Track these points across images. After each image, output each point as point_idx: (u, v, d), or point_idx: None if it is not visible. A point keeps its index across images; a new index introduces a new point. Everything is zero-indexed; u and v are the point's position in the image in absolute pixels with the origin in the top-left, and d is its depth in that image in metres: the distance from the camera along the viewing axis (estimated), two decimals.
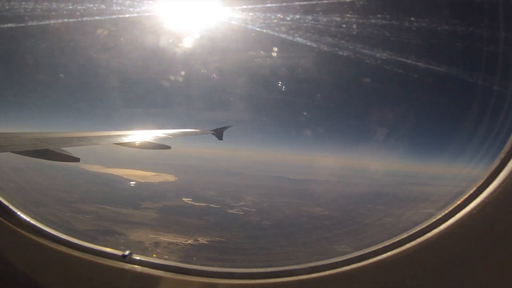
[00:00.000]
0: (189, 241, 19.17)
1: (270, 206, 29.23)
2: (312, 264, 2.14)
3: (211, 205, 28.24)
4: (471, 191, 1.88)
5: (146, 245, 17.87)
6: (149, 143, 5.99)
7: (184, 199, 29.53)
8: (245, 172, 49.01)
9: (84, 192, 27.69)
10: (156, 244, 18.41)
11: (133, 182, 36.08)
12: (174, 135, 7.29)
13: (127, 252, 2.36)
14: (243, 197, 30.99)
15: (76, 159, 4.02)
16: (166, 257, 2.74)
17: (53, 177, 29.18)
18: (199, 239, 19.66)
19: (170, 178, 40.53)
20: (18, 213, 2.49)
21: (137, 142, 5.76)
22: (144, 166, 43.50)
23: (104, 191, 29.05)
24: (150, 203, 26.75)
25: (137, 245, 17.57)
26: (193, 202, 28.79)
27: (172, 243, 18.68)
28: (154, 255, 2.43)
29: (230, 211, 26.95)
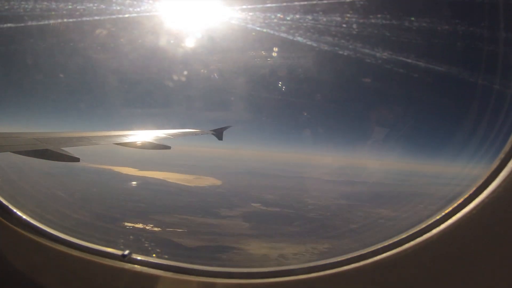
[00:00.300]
0: (310, 249, 18.44)
1: (338, 209, 27.90)
2: (311, 264, 2.14)
3: (285, 210, 27.23)
4: (471, 191, 1.88)
5: (273, 258, 17.13)
6: (149, 143, 5.99)
7: (253, 204, 28.32)
8: (277, 173, 47.49)
9: (149, 201, 25.83)
10: (282, 255, 17.70)
11: (184, 187, 34.15)
12: (174, 135, 7.29)
13: (126, 252, 2.36)
14: (304, 200, 29.85)
15: (76, 159, 4.02)
16: (166, 256, 2.71)
17: (90, 183, 27.93)
18: (314, 246, 18.88)
19: (215, 181, 38.76)
20: (18, 212, 2.49)
21: (137, 142, 5.76)
22: (174, 168, 41.86)
23: (167, 199, 27.63)
24: (226, 210, 25.61)
25: (263, 258, 16.83)
26: (266, 208, 27.75)
27: (296, 253, 17.93)
28: (154, 255, 2.43)
29: (309, 215, 25.80)
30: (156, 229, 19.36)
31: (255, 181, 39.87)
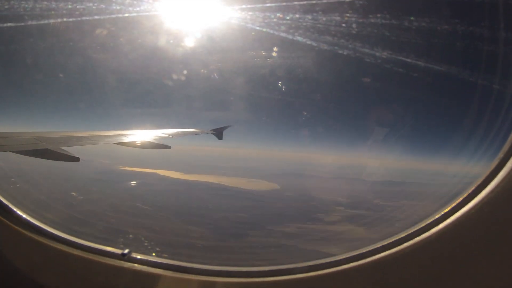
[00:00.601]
0: None
1: (412, 209, 27.00)
2: (311, 263, 2.15)
3: (371, 212, 25.84)
4: (470, 191, 1.88)
5: None
6: (149, 142, 5.99)
7: (337, 207, 27.29)
8: (314, 174, 46.28)
9: (243, 211, 24.90)
10: None
11: (254, 192, 32.78)
12: (174, 134, 7.30)
13: (126, 251, 2.36)
14: (373, 201, 28.59)
15: (76, 159, 4.03)
16: (165, 255, 2.72)
17: (161, 192, 27.28)
18: None
19: (271, 185, 37.24)
20: (18, 211, 2.50)
21: (137, 142, 5.76)
22: (213, 170, 41.28)
23: (255, 206, 26.69)
24: (323, 215, 24.79)
25: None
26: (353, 210, 26.74)
27: None
28: (153, 254, 2.43)
29: (400, 216, 24.47)
30: (290, 242, 18.18)
31: (305, 183, 38.54)
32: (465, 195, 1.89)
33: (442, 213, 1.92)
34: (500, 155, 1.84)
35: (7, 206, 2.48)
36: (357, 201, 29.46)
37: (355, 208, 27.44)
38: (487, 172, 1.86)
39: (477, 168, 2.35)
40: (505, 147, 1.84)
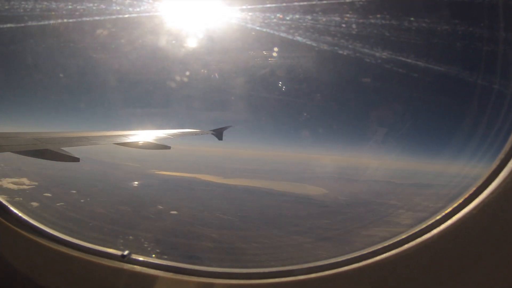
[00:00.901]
0: None
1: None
2: (311, 265, 2.14)
3: (430, 214, 26.41)
4: (471, 192, 1.88)
5: None
6: (150, 143, 6.00)
7: (398, 210, 26.64)
8: (348, 177, 45.85)
9: (319, 216, 24.77)
10: None
11: (311, 197, 32.58)
12: (174, 135, 7.30)
13: (126, 252, 2.36)
14: (422, 203, 28.60)
15: (76, 159, 4.02)
16: (165, 256, 2.73)
17: (227, 199, 27.06)
18: None
19: (319, 189, 37.14)
20: (17, 212, 2.50)
21: (138, 142, 5.77)
22: (240, 173, 41.27)
23: (326, 211, 26.69)
24: (394, 218, 23.71)
25: None
26: (413, 213, 26.14)
27: None
28: (154, 255, 2.43)
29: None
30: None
31: (343, 186, 38.32)
32: (466, 196, 1.88)
33: (443, 214, 1.92)
34: (501, 155, 1.83)
35: (6, 207, 2.48)
36: (407, 203, 28.98)
37: (411, 210, 27.37)
38: (488, 172, 1.85)
39: (477, 168, 2.35)
40: (506, 147, 1.83)
